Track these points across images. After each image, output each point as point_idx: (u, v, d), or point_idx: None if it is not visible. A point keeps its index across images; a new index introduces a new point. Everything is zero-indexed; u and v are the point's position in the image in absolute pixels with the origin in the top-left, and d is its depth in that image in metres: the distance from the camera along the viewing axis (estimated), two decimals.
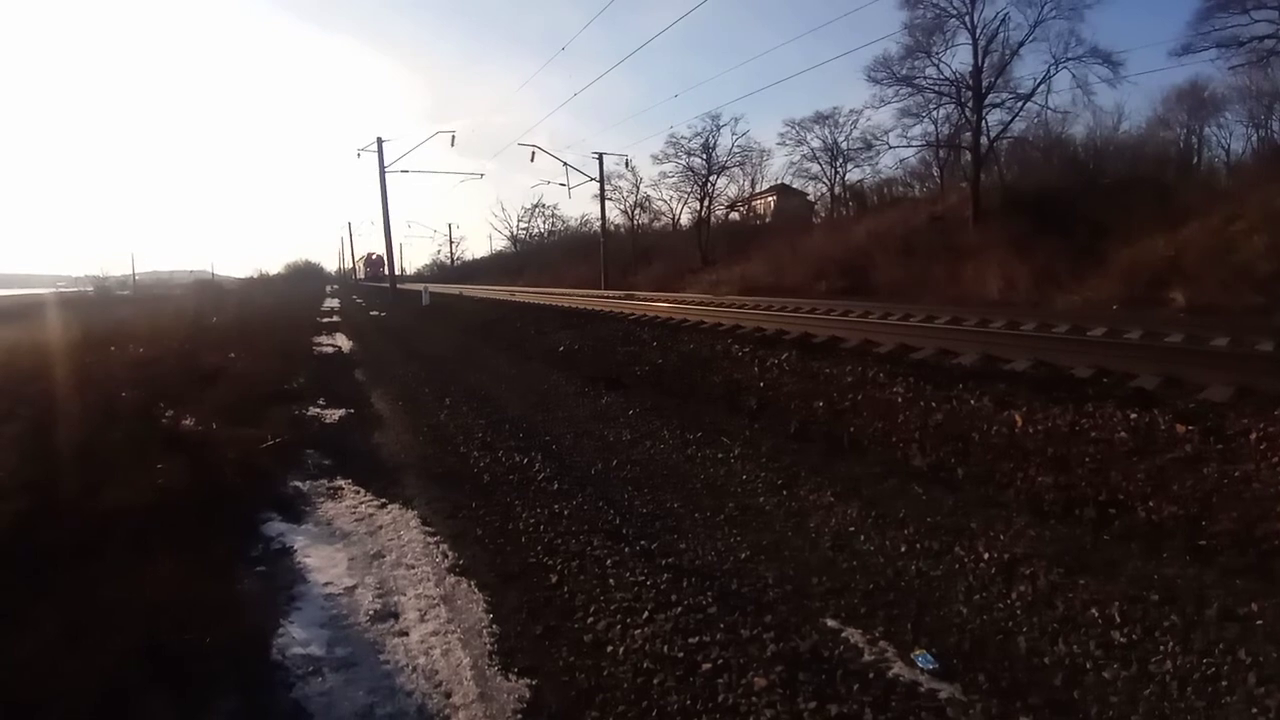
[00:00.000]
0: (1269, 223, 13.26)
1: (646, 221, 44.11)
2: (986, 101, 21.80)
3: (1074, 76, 21.00)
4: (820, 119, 32.75)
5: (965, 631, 2.81)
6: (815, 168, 34.47)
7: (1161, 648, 2.59)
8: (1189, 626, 2.70)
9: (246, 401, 6.91)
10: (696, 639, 2.79)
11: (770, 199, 38.91)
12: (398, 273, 46.86)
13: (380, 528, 4.21)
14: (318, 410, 7.56)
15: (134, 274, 65.54)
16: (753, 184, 38.59)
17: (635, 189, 42.42)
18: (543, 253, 56.67)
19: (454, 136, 30.06)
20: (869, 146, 30.53)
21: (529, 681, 2.63)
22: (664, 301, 16.70)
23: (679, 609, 3.02)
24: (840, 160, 33.50)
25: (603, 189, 35.60)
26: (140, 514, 3.65)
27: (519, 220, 63.92)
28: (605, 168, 35.02)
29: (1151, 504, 3.69)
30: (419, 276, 72.91)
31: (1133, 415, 4.61)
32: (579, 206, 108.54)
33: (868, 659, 2.66)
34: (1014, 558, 3.31)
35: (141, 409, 5.68)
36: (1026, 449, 4.49)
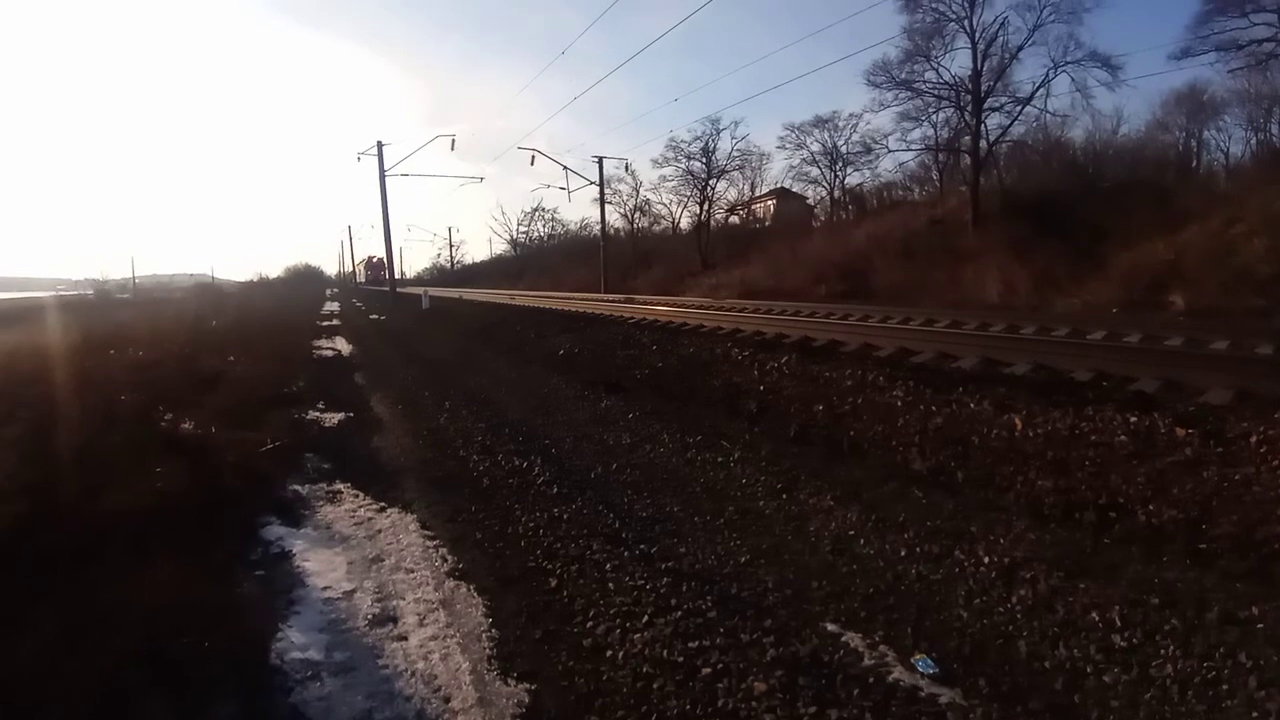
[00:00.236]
0: (1269, 226, 13.27)
1: (646, 225, 44.20)
2: (986, 105, 21.84)
3: (1073, 80, 21.03)
4: (820, 123, 32.81)
5: (966, 636, 2.80)
6: (815, 171, 34.51)
7: (1162, 651, 2.59)
8: (1189, 630, 2.69)
9: (246, 405, 6.91)
10: (696, 643, 2.78)
11: (770, 203, 38.93)
12: (398, 276, 46.87)
13: (379, 531, 4.20)
14: (317, 414, 7.56)
15: (134, 277, 65.51)
16: (752, 188, 38.66)
17: (635, 193, 42.49)
18: (543, 256, 56.69)
19: (454, 140, 30.10)
20: (868, 150, 30.57)
21: (528, 686, 2.62)
22: (664, 305, 16.71)
23: (678, 613, 3.01)
24: (840, 164, 33.55)
25: (602, 193, 35.67)
26: (140, 517, 3.64)
27: (519, 224, 63.99)
28: (605, 171, 35.05)
29: (1152, 507, 3.68)
30: (419, 280, 72.94)
31: (1133, 419, 4.61)
32: (579, 210, 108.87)
33: (868, 663, 2.65)
34: (1014, 562, 3.30)
35: (141, 412, 5.68)
36: (1026, 452, 4.48)
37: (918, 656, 2.67)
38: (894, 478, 4.52)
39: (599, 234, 36.71)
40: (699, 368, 7.98)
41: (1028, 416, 4.92)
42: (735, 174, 36.89)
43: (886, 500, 4.18)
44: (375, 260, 67.92)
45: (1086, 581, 3.09)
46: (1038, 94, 21.52)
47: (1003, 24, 21.18)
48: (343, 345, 15.38)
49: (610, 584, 3.33)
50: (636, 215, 43.79)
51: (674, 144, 35.74)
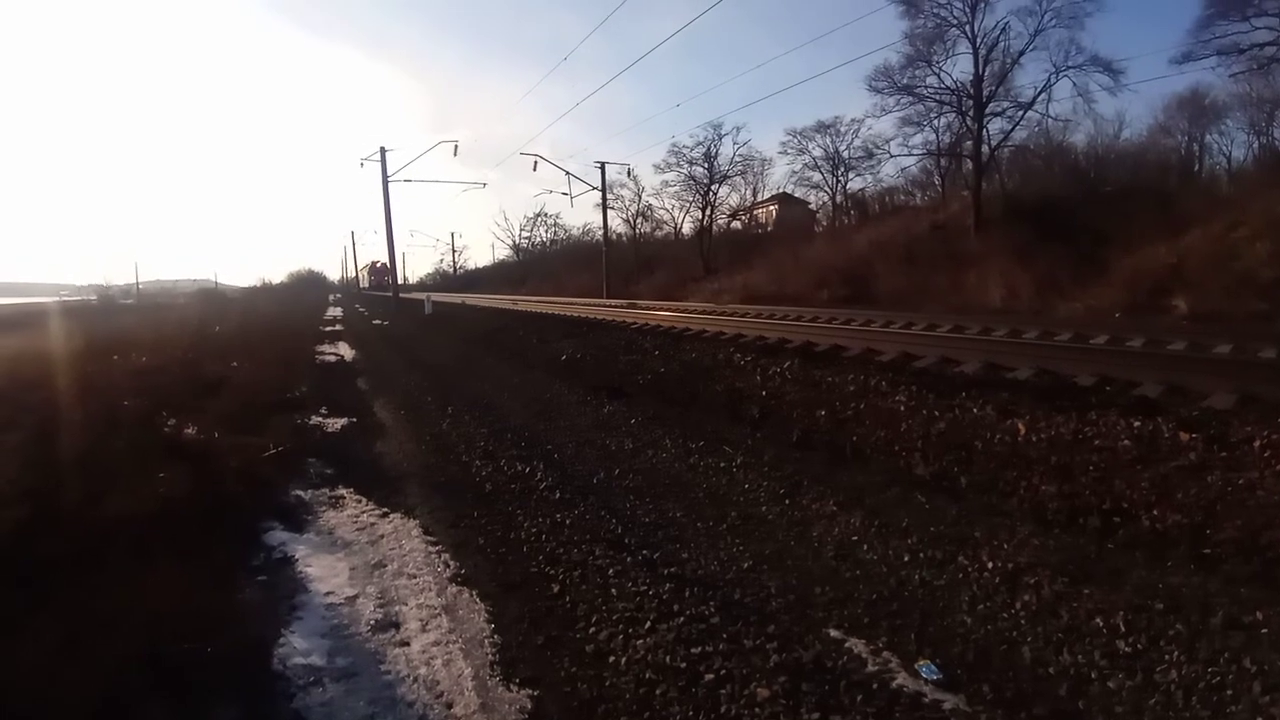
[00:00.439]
0: (1271, 229, 13.26)
1: (649, 230, 44.32)
2: (987, 110, 21.90)
3: (1075, 85, 21.12)
4: (822, 128, 32.96)
5: (969, 641, 2.79)
6: (817, 176, 34.65)
7: (1166, 657, 2.57)
8: (1194, 635, 2.68)
9: (249, 410, 6.92)
10: (699, 649, 2.77)
11: (772, 208, 38.99)
12: (401, 282, 46.96)
13: (382, 537, 4.20)
14: (320, 419, 7.56)
15: (137, 283, 65.74)
16: (754, 193, 38.76)
17: (637, 198, 42.65)
18: (545, 262, 56.80)
19: (457, 146, 30.10)
20: (870, 155, 30.73)
21: (531, 692, 2.61)
22: (666, 310, 16.73)
23: (681, 619, 3.00)
24: (842, 169, 33.68)
25: (605, 198, 35.80)
26: (142, 522, 3.64)
27: (521, 229, 64.19)
28: (607, 177, 35.21)
29: (1155, 512, 3.67)
30: (422, 285, 73.18)
31: (1136, 423, 4.60)
32: (581, 215, 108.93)
33: (871, 669, 2.64)
34: (1018, 567, 3.29)
35: (144, 417, 5.70)
36: (1030, 457, 4.47)
37: (921, 662, 2.66)
38: (897, 483, 4.51)
39: (601, 239, 36.84)
40: (701, 373, 7.98)
41: (1031, 421, 4.91)
42: (737, 179, 37.09)
43: (889, 505, 4.17)
44: (380, 265, 68.22)
45: (1090, 587, 3.08)
46: (1039, 99, 21.62)
47: (1004, 29, 21.27)
48: (345, 350, 15.40)
49: (613, 589, 3.32)
50: (639, 220, 43.97)
51: (676, 149, 35.97)
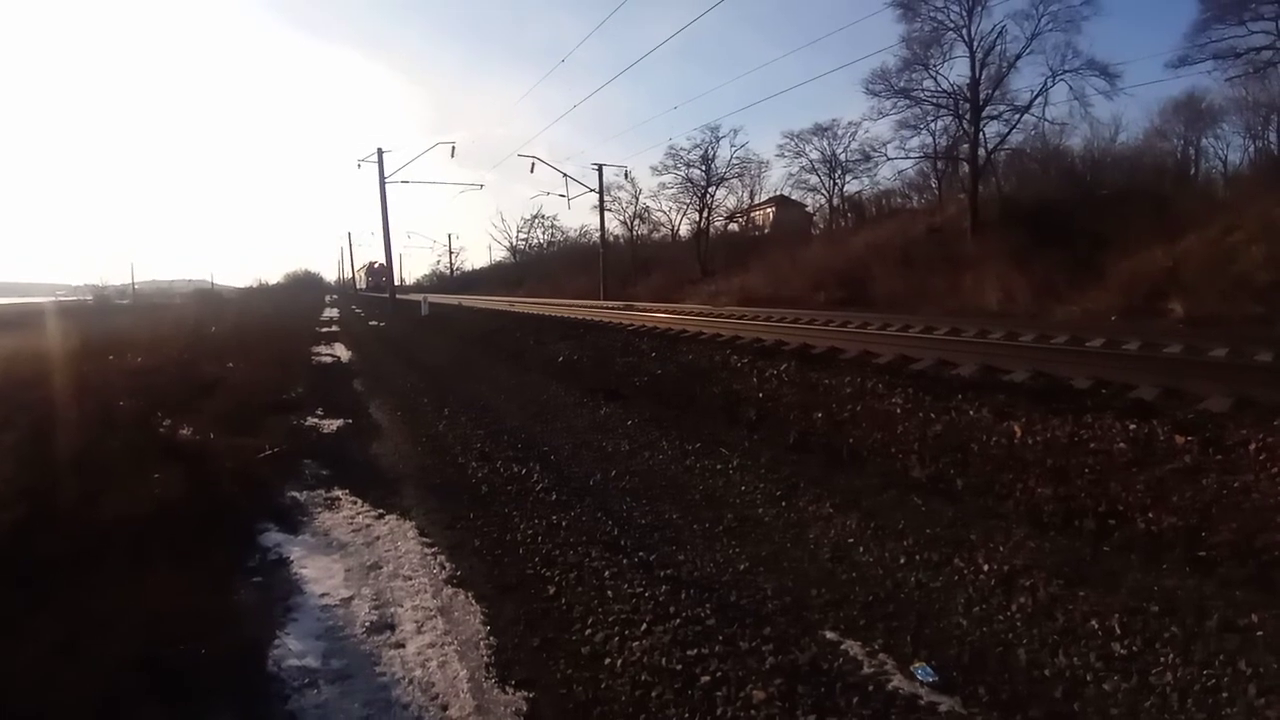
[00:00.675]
0: (1267, 233, 13.31)
1: (646, 232, 44.30)
2: (984, 113, 21.94)
3: (1071, 88, 21.15)
4: (819, 131, 33.00)
5: (965, 644, 2.80)
6: (814, 179, 34.70)
7: (1162, 659, 2.58)
8: (1189, 638, 2.69)
9: (245, 411, 6.91)
10: (695, 651, 2.77)
11: (769, 210, 39.02)
12: (397, 283, 46.91)
13: (377, 538, 4.19)
14: (316, 420, 7.56)
15: (133, 283, 65.47)
16: (751, 195, 38.73)
17: (634, 200, 42.63)
18: (542, 263, 56.77)
19: (454, 147, 30.01)
20: (867, 158, 30.75)
21: (526, 694, 2.61)
22: (663, 312, 16.72)
23: (677, 621, 3.00)
24: (839, 172, 33.72)
25: (602, 200, 35.76)
26: (138, 523, 3.64)
27: (518, 231, 64.09)
28: (605, 179, 35.18)
29: (1151, 515, 3.68)
30: (418, 286, 73.08)
31: (1132, 426, 4.61)
32: (578, 217, 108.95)
33: (867, 671, 2.64)
34: (1014, 569, 3.30)
35: (140, 418, 5.68)
36: (1026, 460, 4.48)
37: (917, 664, 2.66)
38: (893, 485, 4.51)
39: (598, 241, 36.80)
40: (698, 375, 7.98)
41: (1027, 424, 4.92)
42: (734, 181, 37.04)
43: (886, 508, 4.17)
44: (377, 266, 68.03)
45: (1086, 589, 3.08)
46: (1036, 102, 21.66)
47: (1001, 33, 21.31)
48: (342, 351, 15.38)
49: (609, 591, 3.32)
50: (636, 222, 43.94)
51: (673, 152, 35.95)
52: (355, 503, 4.84)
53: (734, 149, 35.53)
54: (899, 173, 31.10)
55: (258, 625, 3.11)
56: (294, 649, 2.93)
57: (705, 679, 2.59)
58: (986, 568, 3.34)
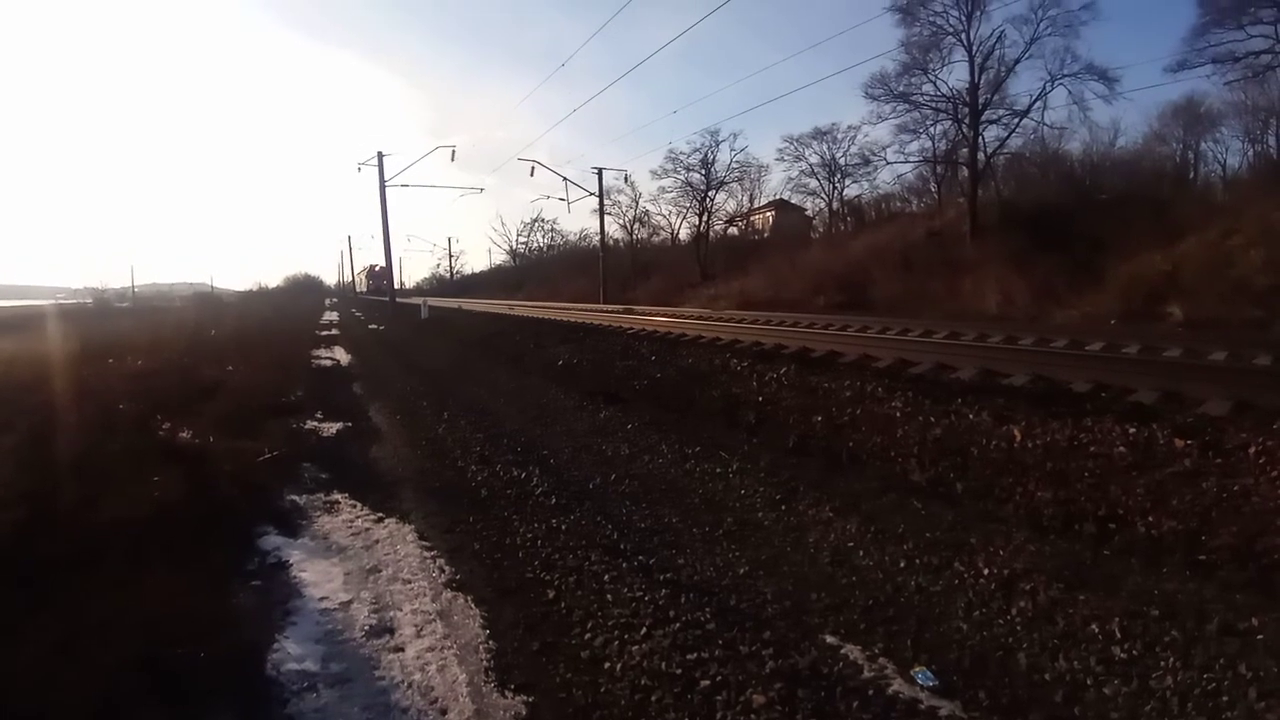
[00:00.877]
0: (1266, 237, 13.33)
1: (645, 236, 44.39)
2: (983, 118, 21.98)
3: (1070, 93, 21.18)
4: (818, 135, 33.05)
5: (965, 648, 2.79)
6: (813, 183, 34.75)
7: (1162, 663, 2.58)
8: (1189, 642, 2.68)
9: (244, 414, 6.90)
10: (695, 655, 2.77)
11: (769, 214, 39.06)
12: (397, 286, 46.91)
13: (377, 542, 4.19)
14: (315, 423, 7.55)
15: (133, 286, 65.55)
16: (751, 199, 38.81)
17: (634, 204, 42.71)
18: (542, 267, 56.84)
19: (454, 151, 30.02)
20: (867, 162, 30.77)
21: (525, 698, 2.60)
22: (663, 316, 16.73)
23: (677, 625, 3.00)
24: (838, 176, 33.77)
25: (602, 204, 35.76)
26: (137, 526, 3.63)
27: (518, 234, 64.22)
28: (604, 183, 35.20)
29: (1151, 519, 3.68)
30: (418, 290, 73.09)
31: (1131, 430, 4.61)
32: (578, 221, 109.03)
33: (867, 676, 2.64)
34: (1014, 573, 3.30)
35: (139, 421, 5.68)
36: (1025, 464, 4.48)
37: (917, 669, 2.66)
38: (893, 489, 4.51)
39: (598, 245, 36.81)
40: (698, 378, 7.98)
41: (1027, 428, 4.92)
42: (734, 185, 37.13)
43: (885, 511, 4.17)
44: (378, 269, 68.03)
45: (1086, 593, 3.08)
46: (1035, 106, 21.69)
47: (1000, 37, 21.37)
48: (341, 355, 15.37)
49: (608, 595, 3.31)
50: (635, 226, 44.02)
51: (673, 155, 36.00)
52: (355, 506, 4.83)
53: (734, 153, 35.69)
54: (898, 177, 31.23)
55: (257, 628, 3.10)
56: (293, 652, 2.93)
57: (705, 683, 2.59)
58: (986, 571, 3.34)
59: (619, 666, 2.74)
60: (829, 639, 2.90)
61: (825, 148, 33.15)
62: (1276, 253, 12.68)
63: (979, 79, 21.80)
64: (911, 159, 26.83)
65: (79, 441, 4.60)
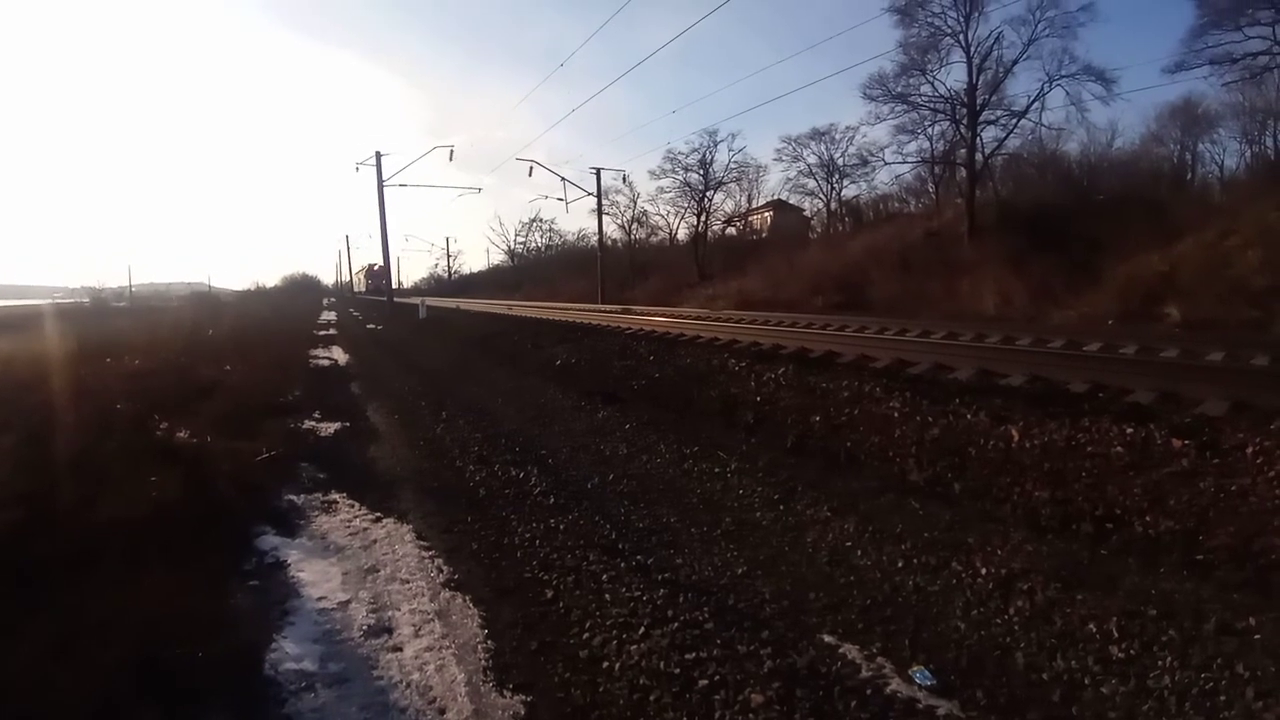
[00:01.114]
0: (1263, 238, 13.35)
1: (644, 236, 44.43)
2: (981, 118, 22.00)
3: (1068, 94, 21.21)
4: (817, 135, 33.15)
5: (963, 647, 2.80)
6: (812, 183, 34.86)
7: (1159, 663, 2.58)
8: (1187, 641, 2.69)
9: (242, 414, 6.89)
10: (693, 655, 2.77)
11: (767, 214, 39.09)
12: (395, 286, 46.88)
13: (375, 542, 4.18)
14: (313, 423, 7.54)
15: (130, 285, 65.32)
16: (749, 199, 38.83)
17: (632, 204, 42.73)
18: (540, 267, 56.86)
19: (452, 151, 29.99)
20: (865, 163, 30.86)
21: (524, 698, 2.60)
22: (661, 316, 16.74)
23: (675, 625, 3.00)
24: (836, 176, 33.86)
25: (600, 204, 35.74)
26: (134, 526, 3.63)
27: (516, 234, 64.28)
28: (603, 183, 35.18)
29: (1148, 518, 3.69)
30: (416, 290, 73.08)
31: (1129, 430, 4.62)
32: (576, 221, 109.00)
33: (865, 675, 2.64)
34: (1011, 573, 3.30)
35: (137, 421, 5.67)
36: (1023, 464, 4.49)
37: (915, 668, 2.66)
38: (891, 489, 4.52)
39: (596, 245, 36.80)
40: (696, 378, 7.99)
41: (1024, 428, 4.93)
42: (732, 186, 37.14)
43: (883, 511, 4.17)
44: (377, 268, 67.96)
45: (1084, 593, 3.09)
46: (1032, 107, 21.74)
47: (997, 38, 21.42)
48: (339, 355, 15.35)
49: (607, 595, 3.31)
50: (634, 226, 44.06)
51: (671, 156, 36.02)
52: (353, 506, 4.82)
53: (732, 153, 35.71)
54: (896, 177, 31.38)
55: (255, 628, 3.09)
56: (291, 652, 2.92)
57: (703, 682, 2.59)
58: (984, 571, 3.35)
59: (617, 666, 2.74)
60: (827, 638, 2.90)
61: (823, 148, 33.29)
62: (1274, 253, 12.70)
63: (977, 80, 21.86)
64: (909, 159, 26.94)
65: (76, 441, 4.59)
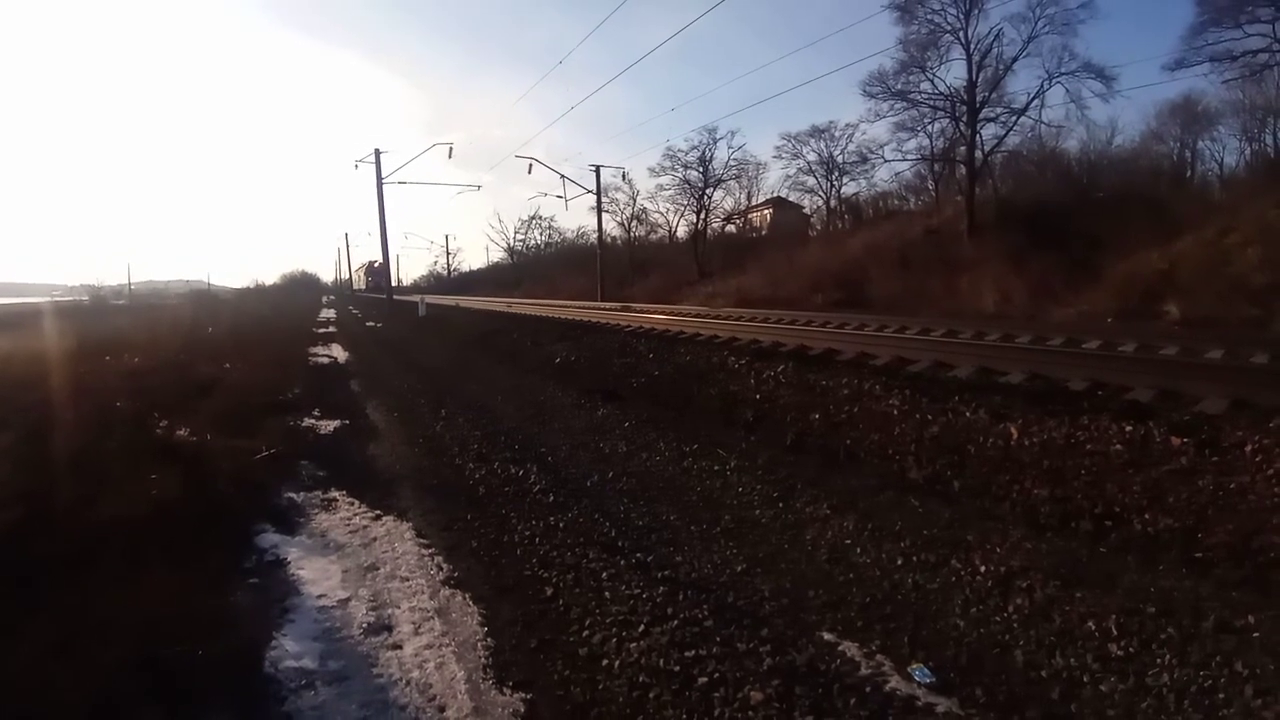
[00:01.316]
0: (1263, 235, 13.35)
1: (643, 234, 44.34)
2: (981, 116, 21.96)
3: (1067, 91, 21.17)
4: (816, 133, 33.09)
5: (962, 645, 2.80)
6: (811, 181, 34.80)
7: (1158, 660, 2.59)
8: (1186, 639, 2.69)
9: (241, 412, 6.89)
10: (692, 652, 2.77)
11: (766, 212, 39.06)
12: (394, 284, 46.85)
13: (374, 540, 4.18)
14: (313, 421, 7.54)
15: (130, 283, 65.30)
16: (749, 197, 38.78)
17: (632, 201, 42.62)
18: (539, 264, 56.82)
19: (452, 148, 30.00)
20: (864, 160, 30.73)
21: (524, 695, 2.61)
22: (660, 313, 16.72)
23: (675, 622, 3.00)
24: (836, 173, 33.82)
25: (599, 201, 35.73)
26: (134, 525, 3.63)
27: (516, 232, 64.19)
28: (602, 180, 35.18)
29: (1147, 516, 3.69)
30: (416, 287, 73.04)
31: (1128, 428, 4.62)
32: (576, 219, 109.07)
33: (864, 672, 2.64)
34: (1010, 570, 3.31)
35: (136, 419, 5.67)
36: (1022, 461, 4.49)
37: (914, 665, 2.66)
38: (890, 486, 4.52)
39: (596, 242, 36.78)
40: (695, 376, 7.98)
41: (1023, 425, 4.93)
42: (732, 183, 37.06)
43: (883, 509, 4.18)
44: (376, 266, 67.91)
45: (1083, 590, 3.09)
46: (1032, 105, 21.69)
47: (997, 36, 21.36)
48: (339, 352, 15.35)
49: (606, 593, 3.32)
50: (633, 224, 43.96)
51: (671, 153, 35.94)
52: (352, 504, 4.82)
53: (731, 150, 35.60)
54: (896, 175, 31.07)
55: (255, 626, 3.10)
56: (291, 650, 2.93)
57: (703, 680, 2.59)
58: (983, 569, 3.35)
59: (617, 664, 2.75)
60: (826, 636, 2.91)
61: (823, 145, 33.23)
62: (1273, 251, 12.70)
63: (977, 77, 21.81)
64: (909, 157, 26.87)
65: (76, 440, 4.59)
